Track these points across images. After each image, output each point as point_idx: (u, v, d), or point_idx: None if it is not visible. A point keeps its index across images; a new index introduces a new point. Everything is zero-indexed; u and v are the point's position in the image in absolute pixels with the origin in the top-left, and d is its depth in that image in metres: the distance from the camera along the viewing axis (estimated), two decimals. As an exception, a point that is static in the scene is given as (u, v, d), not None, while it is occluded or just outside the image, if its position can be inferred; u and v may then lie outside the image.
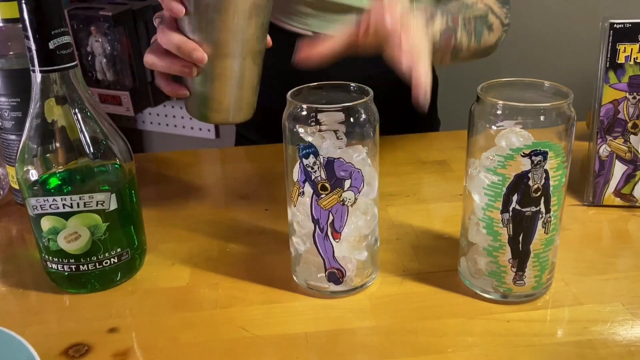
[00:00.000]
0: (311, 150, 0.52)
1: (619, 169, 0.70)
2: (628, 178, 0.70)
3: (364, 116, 0.53)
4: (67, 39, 0.54)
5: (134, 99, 1.53)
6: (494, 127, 0.51)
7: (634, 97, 0.68)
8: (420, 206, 0.74)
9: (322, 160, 0.52)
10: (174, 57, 0.60)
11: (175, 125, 1.77)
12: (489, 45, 0.81)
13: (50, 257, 0.58)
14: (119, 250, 0.59)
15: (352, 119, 0.52)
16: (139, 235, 0.62)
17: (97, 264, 0.58)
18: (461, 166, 0.84)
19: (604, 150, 0.70)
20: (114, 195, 0.57)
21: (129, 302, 0.58)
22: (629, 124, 0.69)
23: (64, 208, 0.55)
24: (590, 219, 0.70)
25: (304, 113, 0.52)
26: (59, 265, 0.58)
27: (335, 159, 0.52)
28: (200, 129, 1.74)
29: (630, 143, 0.69)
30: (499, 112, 0.51)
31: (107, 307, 0.57)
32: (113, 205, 0.57)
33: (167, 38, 0.59)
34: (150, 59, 0.62)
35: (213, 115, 0.64)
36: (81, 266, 0.58)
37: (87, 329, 0.55)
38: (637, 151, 0.69)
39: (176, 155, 0.92)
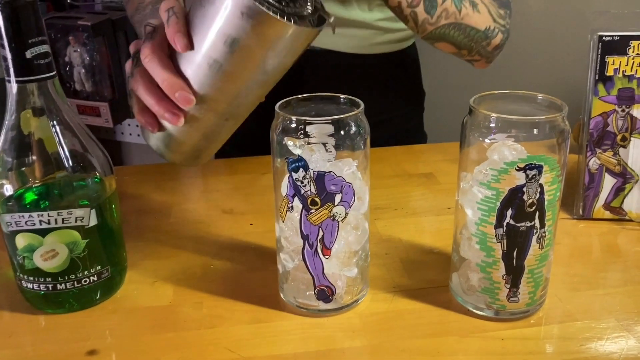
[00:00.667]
0: (301, 164, 0.50)
1: (608, 182, 0.70)
2: (617, 191, 0.70)
3: (354, 129, 0.52)
4: (45, 48, 0.51)
5: (113, 110, 1.50)
6: (486, 140, 0.50)
7: (623, 110, 0.67)
8: (409, 220, 0.73)
9: (312, 174, 0.50)
10: (162, 94, 0.55)
11: (155, 137, 1.74)
12: (474, 28, 0.79)
13: (26, 276, 0.55)
14: (98, 268, 0.57)
15: (342, 132, 0.51)
16: (120, 252, 0.60)
17: (75, 282, 0.56)
18: (448, 179, 0.83)
19: (593, 163, 0.70)
20: (93, 211, 0.55)
21: (109, 322, 0.56)
22: (618, 137, 0.68)
23: (40, 225, 0.53)
24: (580, 233, 0.70)
25: (293, 125, 0.51)
26: (34, 285, 0.55)
27: (325, 172, 0.51)
28: (181, 141, 1.71)
29: (619, 156, 0.69)
30: (492, 124, 0.50)
31: (86, 328, 0.55)
32: (93, 221, 0.55)
33: (154, 68, 0.54)
34: (137, 88, 0.57)
35: (169, 153, 0.61)
36: (58, 285, 0.55)
37: (65, 352, 0.52)
38: (627, 164, 0.69)
39: (156, 168, 0.90)
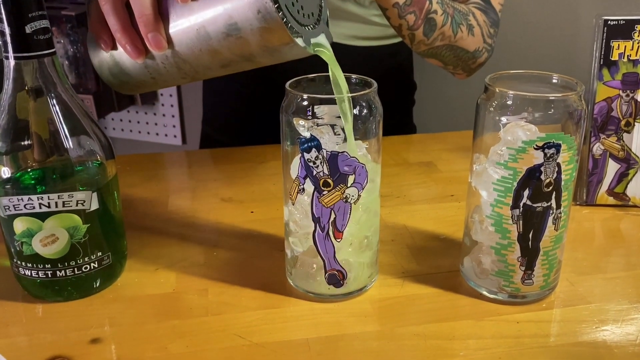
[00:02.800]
0: (314, 143, 0.49)
1: (612, 168, 0.70)
2: (621, 177, 0.70)
3: (365, 109, 0.50)
4: (45, 23, 0.49)
5: (97, 104, 1.47)
6: (503, 119, 0.49)
7: (628, 95, 0.67)
8: (412, 207, 0.72)
9: (325, 155, 0.49)
10: (130, 23, 0.51)
11: (140, 132, 1.70)
12: (465, 50, 0.80)
13: (24, 263, 0.53)
14: (99, 254, 0.54)
15: (355, 111, 0.50)
16: (121, 238, 0.58)
17: (75, 269, 0.53)
18: (449, 167, 0.82)
19: (597, 148, 0.69)
20: (95, 195, 0.53)
21: (110, 310, 0.54)
22: (622, 122, 0.68)
23: (40, 208, 0.51)
24: (584, 218, 0.69)
25: (305, 104, 0.49)
26: (32, 271, 0.53)
27: (339, 153, 0.49)
28: (166, 135, 1.68)
29: (623, 141, 0.69)
30: (509, 102, 0.49)
31: (87, 317, 0.53)
32: (94, 206, 0.53)
33: None
34: (104, 2, 0.52)
35: (109, 76, 0.58)
36: (58, 272, 0.53)
37: (66, 341, 0.50)
38: (630, 149, 0.69)
39: (149, 157, 0.87)
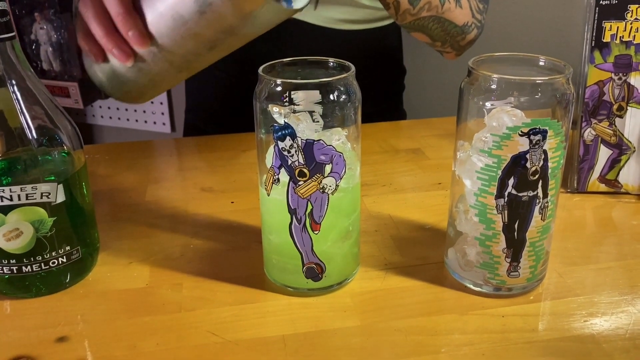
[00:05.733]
0: (288, 131, 0.46)
1: (604, 154, 0.67)
2: (613, 163, 0.67)
3: (343, 95, 0.48)
4: (2, 5, 0.46)
5: (83, 91, 1.44)
6: (487, 105, 0.47)
7: (620, 78, 0.65)
8: (397, 196, 0.70)
9: (300, 143, 0.47)
10: (113, 26, 0.52)
11: (128, 119, 1.67)
12: (453, 23, 0.77)
13: (-13, 258, 0.50)
14: (68, 248, 0.52)
15: (331, 97, 0.47)
16: (91, 231, 0.56)
17: (42, 264, 0.51)
18: (437, 154, 0.80)
19: (588, 134, 0.67)
20: (61, 186, 0.50)
21: (80, 306, 0.52)
22: (615, 107, 0.66)
23: (2, 201, 0.48)
24: (575, 206, 0.67)
25: (278, 90, 0.47)
26: (-3, 267, 0.51)
27: (314, 141, 0.47)
28: (155, 123, 1.65)
29: (615, 126, 0.66)
30: (493, 86, 0.47)
31: (55, 314, 0.51)
32: (60, 198, 0.50)
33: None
34: (85, 11, 0.53)
35: (109, 88, 0.58)
36: (24, 267, 0.51)
37: (32, 340, 0.48)
38: (623, 135, 0.66)
39: (130, 146, 0.85)
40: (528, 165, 0.46)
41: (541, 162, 0.46)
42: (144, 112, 1.65)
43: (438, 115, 0.93)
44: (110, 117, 1.69)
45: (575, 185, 0.69)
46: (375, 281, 0.54)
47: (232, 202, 0.68)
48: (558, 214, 0.65)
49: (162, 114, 1.63)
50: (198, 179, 0.74)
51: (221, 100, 0.96)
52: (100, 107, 1.69)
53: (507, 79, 0.46)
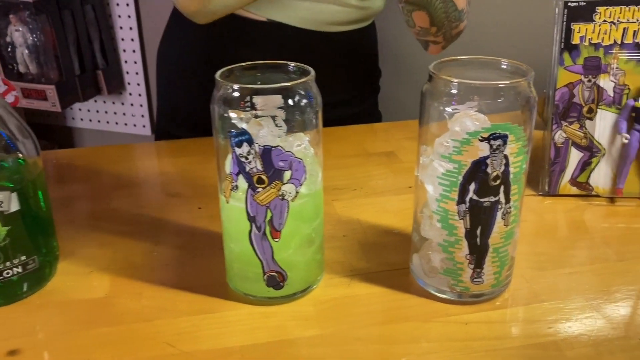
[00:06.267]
0: (245, 137, 0.45)
1: (574, 156, 0.67)
2: (584, 166, 0.67)
3: (304, 99, 0.47)
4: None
5: (60, 93, 1.42)
6: (447, 109, 0.46)
7: (590, 80, 0.64)
8: (368, 200, 0.69)
9: (257, 149, 0.46)
10: None
11: (108, 122, 1.66)
12: (454, 5, 0.78)
13: (-61, 269, 0.49)
14: (23, 258, 0.51)
15: (290, 102, 0.46)
16: (49, 240, 0.54)
17: (-4, 275, 0.50)
18: (410, 157, 0.79)
19: (559, 136, 0.66)
20: (15, 195, 0.49)
21: (35, 318, 0.50)
22: (585, 109, 0.65)
23: (-49, 210, 0.47)
24: (546, 210, 0.66)
25: (236, 95, 0.46)
26: (-51, 278, 0.49)
27: (272, 147, 0.46)
28: (135, 125, 1.64)
29: (586, 129, 0.66)
30: (453, 91, 0.46)
31: (9, 326, 0.49)
32: (14, 206, 0.49)
33: None
34: None
35: None
36: (-23, 278, 0.49)
37: (-17, 353, 0.46)
38: (593, 137, 0.66)
39: (98, 151, 0.84)
40: (489, 170, 0.45)
41: (502, 167, 0.45)
42: (124, 114, 1.63)
43: (414, 117, 0.92)
44: (90, 120, 1.67)
45: (547, 188, 0.68)
46: (339, 288, 0.53)
47: (199, 208, 0.67)
48: (529, 218, 0.65)
49: (142, 116, 1.61)
50: (166, 185, 0.73)
51: (193, 104, 0.95)
52: (80, 109, 1.67)
53: (467, 83, 0.45)
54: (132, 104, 1.61)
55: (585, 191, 0.68)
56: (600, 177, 0.67)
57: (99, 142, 1.69)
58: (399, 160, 0.78)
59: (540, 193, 0.69)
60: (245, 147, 0.46)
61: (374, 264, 0.57)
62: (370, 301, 0.52)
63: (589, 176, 0.67)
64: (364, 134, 0.88)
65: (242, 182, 0.47)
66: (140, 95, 1.59)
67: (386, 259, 0.57)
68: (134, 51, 1.54)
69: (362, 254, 0.58)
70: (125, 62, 1.56)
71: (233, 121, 0.46)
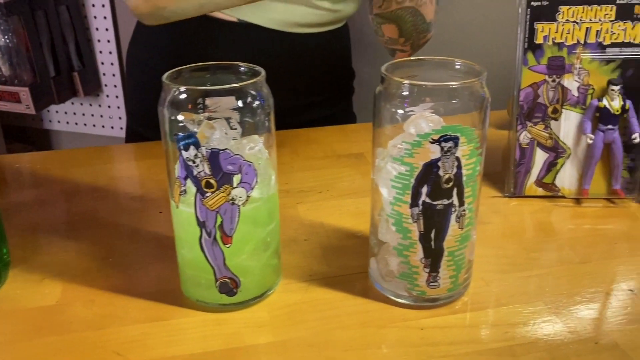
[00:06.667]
0: (191, 140, 0.44)
1: (540, 157, 0.66)
2: (549, 166, 0.66)
3: (254, 101, 0.46)
4: None
5: (34, 96, 1.40)
6: (400, 111, 0.45)
7: (554, 80, 0.64)
8: (333, 202, 0.68)
9: (204, 153, 0.44)
10: None
11: (86, 124, 1.64)
12: (423, 18, 0.81)
13: None
14: (-31, 266, 0.50)
15: (240, 104, 0.45)
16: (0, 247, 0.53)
17: (-59, 283, 0.48)
18: (378, 159, 0.78)
19: (524, 137, 0.66)
20: (-42, 201, 0.48)
21: (-18, 327, 0.49)
22: (549, 109, 0.65)
23: None
24: (511, 211, 0.66)
25: (184, 97, 0.45)
26: None
27: (220, 150, 0.45)
28: (112, 127, 1.62)
29: (551, 129, 0.65)
30: (405, 93, 0.45)
31: (-46, 335, 0.48)
32: (-42, 213, 0.48)
33: None
34: None
35: None
36: None
37: None
38: (558, 138, 0.65)
39: (63, 154, 0.82)
40: (441, 173, 0.44)
41: (455, 170, 0.45)
42: (101, 116, 1.61)
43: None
44: (68, 122, 1.66)
45: (512, 189, 0.67)
46: (296, 294, 0.52)
47: (160, 213, 0.66)
48: (494, 219, 0.64)
49: (120, 118, 1.60)
50: (129, 188, 0.72)
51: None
52: (57, 112, 1.65)
53: (419, 84, 0.44)
54: (109, 106, 1.60)
55: (551, 192, 0.67)
56: (566, 177, 0.66)
57: (77, 144, 1.67)
58: (368, 162, 0.78)
59: (506, 194, 0.68)
60: (192, 151, 0.45)
61: (334, 268, 0.56)
62: (327, 306, 0.51)
63: (554, 177, 0.67)
64: (335, 136, 0.87)
65: (190, 187, 0.46)
66: (117, 97, 1.58)
67: (347, 263, 0.56)
68: (110, 53, 1.52)
69: (322, 258, 0.57)
70: (102, 63, 1.55)
71: (184, 124, 0.45)
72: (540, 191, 0.67)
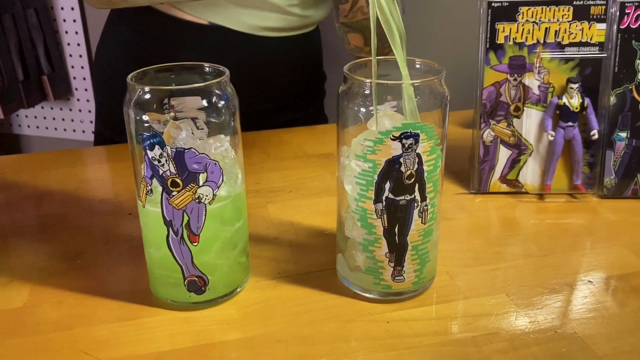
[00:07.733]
0: (156, 140, 0.45)
1: (503, 154, 0.68)
2: (513, 163, 0.68)
3: (219, 100, 0.47)
4: None
5: (2, 100, 1.39)
6: (362, 110, 0.46)
7: (515, 79, 0.65)
8: (303, 202, 0.69)
9: (169, 152, 0.45)
10: None
11: (56, 128, 1.62)
12: (385, 55, 0.80)
13: None
14: None
15: (205, 103, 0.46)
16: (-36, 250, 0.53)
17: None
18: (347, 158, 0.79)
19: (487, 135, 0.67)
20: None
21: (-52, 331, 0.49)
22: (512, 107, 0.66)
23: None
24: (476, 208, 0.67)
25: (149, 97, 0.45)
26: None
27: (185, 149, 0.45)
28: (84, 132, 1.61)
29: (513, 127, 0.67)
30: (367, 91, 0.46)
31: None
32: None
33: None
34: None
35: None
36: None
37: None
38: (521, 135, 0.67)
39: (36, 157, 0.82)
40: (402, 169, 0.46)
41: (416, 166, 0.46)
42: (72, 120, 1.60)
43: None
44: (38, 127, 1.64)
45: (477, 186, 0.69)
46: (265, 291, 0.53)
47: (129, 214, 0.66)
48: (459, 216, 0.65)
49: (91, 122, 1.58)
50: (98, 190, 0.71)
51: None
52: (26, 116, 1.63)
53: (380, 83, 0.45)
54: (80, 110, 1.58)
55: (515, 188, 0.69)
56: (529, 174, 0.68)
57: (47, 149, 1.65)
58: (336, 162, 0.78)
59: (472, 191, 0.69)
60: (157, 150, 0.45)
61: (303, 265, 0.56)
62: (294, 303, 0.51)
63: (518, 173, 0.68)
64: (305, 137, 0.88)
65: (157, 186, 0.47)
66: (88, 100, 1.57)
67: (315, 260, 0.57)
68: (80, 56, 1.51)
69: (291, 256, 0.58)
70: (72, 67, 1.53)
71: (149, 124, 0.46)
72: (504, 187, 0.69)
